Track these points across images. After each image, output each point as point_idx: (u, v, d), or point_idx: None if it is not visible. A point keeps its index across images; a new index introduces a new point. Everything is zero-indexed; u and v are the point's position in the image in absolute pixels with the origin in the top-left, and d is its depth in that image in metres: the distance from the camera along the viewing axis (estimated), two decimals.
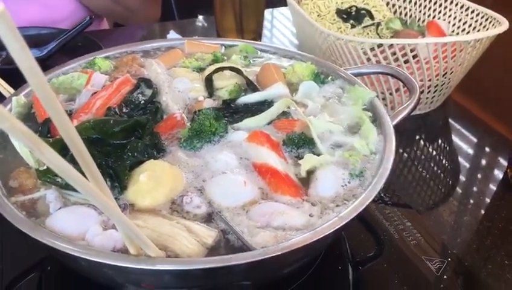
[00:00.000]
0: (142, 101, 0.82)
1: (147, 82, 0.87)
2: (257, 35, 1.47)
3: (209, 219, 0.62)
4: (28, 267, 0.76)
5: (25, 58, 0.30)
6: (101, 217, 0.60)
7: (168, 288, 0.61)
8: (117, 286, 0.65)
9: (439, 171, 1.05)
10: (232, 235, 0.60)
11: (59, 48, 1.26)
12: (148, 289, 0.61)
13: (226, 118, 0.80)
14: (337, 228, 0.58)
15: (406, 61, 1.09)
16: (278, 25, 1.77)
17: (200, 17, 1.79)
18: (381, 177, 0.66)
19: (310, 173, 0.70)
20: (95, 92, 0.83)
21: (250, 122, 0.79)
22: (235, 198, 0.65)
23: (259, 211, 0.63)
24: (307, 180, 0.69)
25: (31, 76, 0.31)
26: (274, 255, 0.54)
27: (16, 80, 0.92)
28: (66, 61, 0.94)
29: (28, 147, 0.33)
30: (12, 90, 0.97)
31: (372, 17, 1.45)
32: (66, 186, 0.63)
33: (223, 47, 1.04)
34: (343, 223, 0.59)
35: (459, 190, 1.00)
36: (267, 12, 1.72)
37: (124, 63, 0.93)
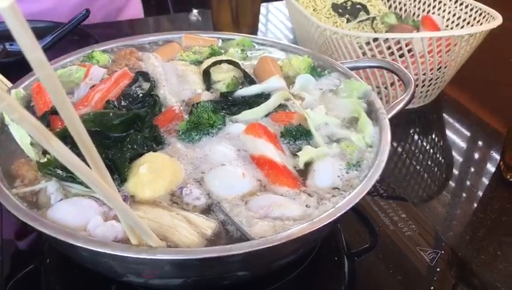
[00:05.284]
0: (140, 94, 0.83)
1: (145, 75, 0.87)
2: (253, 30, 1.47)
3: (208, 210, 0.63)
4: (28, 259, 0.76)
5: (33, 50, 0.31)
6: (101, 209, 0.60)
7: (168, 278, 0.62)
8: (116, 276, 0.66)
9: (433, 165, 1.07)
10: (231, 227, 0.61)
11: (55, 41, 1.26)
12: (148, 279, 0.62)
13: (223, 111, 0.80)
14: (334, 218, 0.59)
15: (400, 56, 1.10)
16: (273, 20, 1.78)
17: (195, 11, 1.79)
18: (377, 168, 0.67)
19: (308, 164, 0.71)
20: (94, 86, 0.83)
21: (247, 114, 0.80)
22: (233, 189, 0.65)
23: (257, 204, 0.64)
24: (304, 172, 0.70)
25: (39, 67, 0.32)
26: (273, 244, 0.55)
27: (12, 73, 0.93)
28: (62, 54, 0.94)
29: (36, 137, 0.33)
30: (9, 84, 0.97)
31: (367, 11, 1.46)
32: (67, 179, 0.63)
33: (220, 40, 1.05)
34: (340, 213, 0.60)
35: (452, 182, 1.01)
36: (262, 7, 1.72)
37: (122, 57, 0.93)
